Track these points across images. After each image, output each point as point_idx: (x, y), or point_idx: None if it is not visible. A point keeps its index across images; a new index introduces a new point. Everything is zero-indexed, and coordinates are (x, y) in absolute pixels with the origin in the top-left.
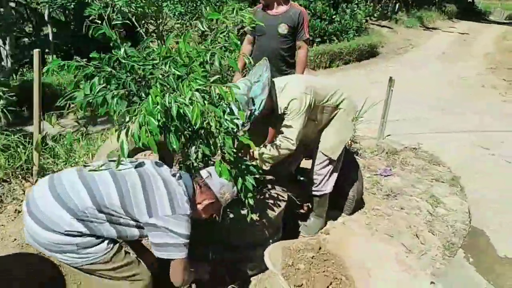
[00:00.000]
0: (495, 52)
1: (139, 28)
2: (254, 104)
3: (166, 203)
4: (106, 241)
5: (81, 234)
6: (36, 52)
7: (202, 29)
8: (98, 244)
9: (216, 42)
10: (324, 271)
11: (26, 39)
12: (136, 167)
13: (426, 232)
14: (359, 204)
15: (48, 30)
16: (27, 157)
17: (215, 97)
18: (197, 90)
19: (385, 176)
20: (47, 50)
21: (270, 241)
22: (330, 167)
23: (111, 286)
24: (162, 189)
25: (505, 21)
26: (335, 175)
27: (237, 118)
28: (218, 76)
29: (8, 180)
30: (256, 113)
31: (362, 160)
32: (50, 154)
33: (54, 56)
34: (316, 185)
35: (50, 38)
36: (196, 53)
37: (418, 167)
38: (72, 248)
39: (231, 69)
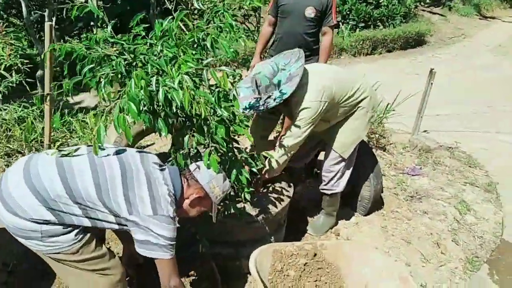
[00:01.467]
0: None
1: (167, 4)
2: (275, 90)
3: (147, 202)
4: (75, 231)
5: (48, 222)
6: (47, 25)
7: (197, 7)
8: (65, 233)
9: (212, 22)
10: (316, 280)
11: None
12: (119, 157)
13: (449, 241)
14: (377, 205)
15: (94, 3)
16: (42, 130)
17: (207, 81)
18: (187, 73)
19: (412, 175)
20: (92, 23)
21: (271, 238)
22: (342, 164)
23: (77, 276)
24: (144, 187)
25: None
26: (347, 173)
27: (232, 106)
28: (212, 59)
29: (22, 151)
30: (275, 102)
31: (389, 156)
32: (67, 128)
33: (99, 29)
34: (325, 182)
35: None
36: (189, 34)
37: (451, 169)
38: (37, 235)
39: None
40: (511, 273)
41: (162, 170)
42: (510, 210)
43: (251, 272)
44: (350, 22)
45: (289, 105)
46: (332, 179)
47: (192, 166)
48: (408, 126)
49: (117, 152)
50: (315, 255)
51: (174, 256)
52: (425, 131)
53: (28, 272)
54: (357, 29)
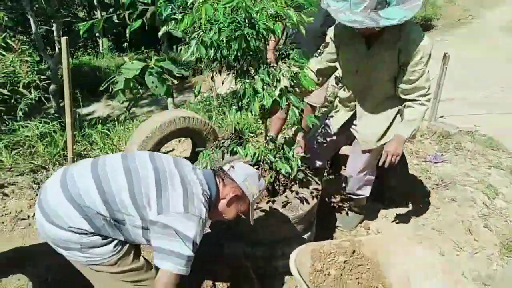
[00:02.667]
0: None
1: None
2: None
3: (180, 200)
4: (114, 243)
5: (86, 233)
6: (63, 40)
7: None
8: (104, 245)
9: None
10: (357, 278)
11: (79, 24)
12: (152, 159)
13: (481, 227)
14: (404, 195)
15: (98, 14)
16: (64, 144)
17: None
18: None
19: (435, 163)
20: (97, 34)
21: (303, 236)
22: (367, 171)
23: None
24: (178, 187)
25: None
26: (371, 178)
27: None
28: None
29: (46, 167)
30: (389, 22)
31: (409, 145)
32: (88, 141)
33: (105, 39)
34: (352, 188)
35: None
36: None
37: (474, 153)
38: (76, 246)
39: None
40: None
41: (196, 172)
42: None
43: (292, 273)
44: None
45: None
46: (356, 185)
47: (226, 167)
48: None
49: (150, 156)
50: (353, 252)
51: (183, 273)
52: (442, 116)
53: (65, 285)
54: None
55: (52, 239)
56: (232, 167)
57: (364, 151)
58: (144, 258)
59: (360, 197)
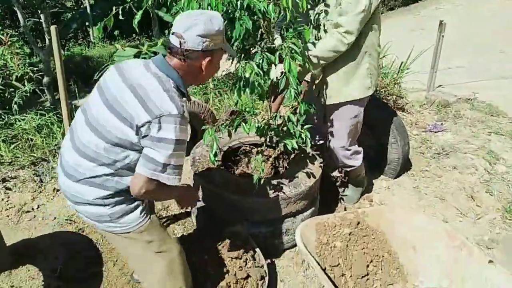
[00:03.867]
0: None
1: None
2: None
3: (166, 103)
4: (139, 209)
5: (110, 197)
6: (53, 28)
7: None
8: (132, 211)
9: None
10: (363, 248)
11: (68, 14)
12: (125, 81)
13: (483, 193)
14: (406, 166)
15: (86, 3)
16: (62, 135)
17: None
18: None
19: (435, 132)
20: (87, 23)
21: (307, 212)
22: (348, 140)
23: (140, 255)
24: (156, 87)
25: None
26: (355, 148)
27: None
28: None
29: (47, 159)
30: None
31: (409, 116)
32: None
33: (95, 28)
34: (340, 160)
35: (88, 10)
36: None
37: (473, 120)
38: (106, 219)
39: None
40: None
41: (154, 73)
42: None
43: (299, 247)
44: None
45: None
46: (345, 156)
47: (173, 40)
48: (422, 82)
49: (121, 76)
50: (358, 223)
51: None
52: (439, 85)
53: (75, 275)
54: None
55: (84, 214)
56: (177, 36)
57: (333, 121)
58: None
59: (353, 168)
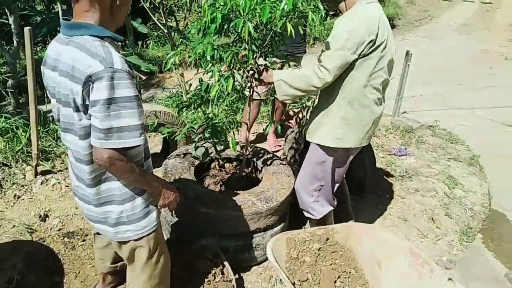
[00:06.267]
0: None
1: (143, 3)
2: None
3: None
4: (154, 213)
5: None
6: (26, 30)
7: None
8: (147, 214)
9: None
10: (331, 264)
11: (37, 18)
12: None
13: (442, 215)
14: (371, 187)
15: (58, 8)
16: (27, 140)
17: None
18: None
19: (399, 156)
20: (58, 28)
21: (277, 227)
22: (311, 184)
23: (146, 264)
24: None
25: None
26: (314, 195)
27: None
28: None
29: (8, 164)
30: None
31: (375, 139)
32: (52, 136)
33: None
34: (300, 202)
35: (60, 16)
36: None
37: (435, 146)
38: (124, 220)
39: None
40: (504, 240)
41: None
42: (494, 181)
43: (270, 260)
44: (320, 12)
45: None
46: (302, 198)
47: None
48: (388, 108)
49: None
50: (327, 239)
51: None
52: (404, 112)
53: (33, 286)
54: (328, 17)
55: (104, 223)
56: None
57: (308, 157)
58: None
59: (309, 216)
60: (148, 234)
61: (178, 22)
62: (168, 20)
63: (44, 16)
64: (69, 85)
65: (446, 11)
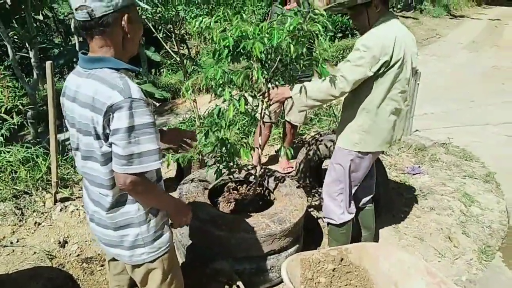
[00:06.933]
0: None
1: (156, 34)
2: None
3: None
4: (167, 234)
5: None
6: (48, 64)
7: None
8: (161, 236)
9: None
10: (346, 285)
11: (55, 50)
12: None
13: (459, 234)
14: (386, 206)
15: (75, 40)
16: (47, 168)
17: None
18: None
19: (413, 174)
20: (74, 60)
21: (291, 249)
22: (334, 189)
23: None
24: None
25: None
26: (336, 200)
27: None
28: None
29: (29, 192)
30: None
31: (387, 157)
32: (70, 164)
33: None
34: (323, 208)
35: (77, 48)
36: None
37: (449, 164)
38: (140, 243)
39: None
40: None
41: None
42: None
43: (285, 281)
44: (328, 33)
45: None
46: (325, 200)
47: (79, 15)
48: None
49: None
50: (341, 259)
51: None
52: (416, 130)
53: None
54: (336, 39)
55: (119, 247)
56: (81, 8)
57: (331, 160)
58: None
59: (328, 221)
60: (162, 255)
61: (190, 50)
62: (180, 48)
63: (61, 48)
64: (90, 115)
65: (453, 30)
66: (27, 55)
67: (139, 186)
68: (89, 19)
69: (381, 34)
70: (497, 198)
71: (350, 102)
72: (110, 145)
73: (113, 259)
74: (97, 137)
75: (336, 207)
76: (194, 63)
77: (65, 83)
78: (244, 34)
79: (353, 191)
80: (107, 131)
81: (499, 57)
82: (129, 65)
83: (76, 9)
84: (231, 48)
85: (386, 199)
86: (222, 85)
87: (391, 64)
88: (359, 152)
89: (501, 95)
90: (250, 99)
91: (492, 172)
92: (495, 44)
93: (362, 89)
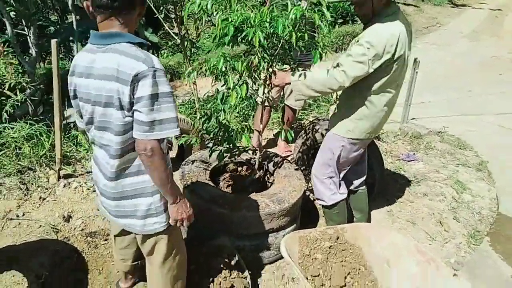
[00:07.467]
0: None
1: (157, 15)
2: None
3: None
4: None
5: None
6: (53, 42)
7: None
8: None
9: None
10: (341, 261)
11: (51, 28)
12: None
13: (450, 219)
14: (380, 191)
15: (72, 18)
16: (50, 145)
17: None
18: None
19: (408, 161)
20: (71, 38)
21: (288, 229)
22: (322, 171)
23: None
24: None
25: None
26: (326, 182)
27: None
28: None
29: (33, 168)
30: None
31: (384, 144)
32: (73, 142)
33: (79, 44)
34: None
35: (74, 26)
36: None
37: (443, 152)
38: (152, 212)
39: None
40: (511, 244)
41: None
42: (502, 186)
43: (284, 257)
44: (328, 20)
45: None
46: (314, 183)
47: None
48: (397, 114)
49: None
50: (337, 238)
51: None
52: (413, 118)
53: (60, 281)
54: (336, 25)
55: (132, 217)
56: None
57: (321, 145)
58: None
59: (320, 202)
60: (171, 225)
61: (188, 31)
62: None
63: (58, 26)
64: (115, 86)
65: (455, 18)
66: (23, 32)
67: (157, 153)
68: None
69: (386, 31)
70: (488, 186)
71: (347, 91)
72: (132, 114)
73: (119, 234)
74: (121, 108)
75: (326, 189)
76: (193, 46)
77: (73, 62)
78: (245, 19)
79: (341, 175)
80: (132, 99)
81: (499, 47)
82: (141, 39)
83: None
84: (230, 38)
85: (381, 184)
86: (224, 73)
87: (393, 61)
88: (351, 138)
89: (499, 86)
90: (250, 83)
91: (485, 161)
92: (495, 34)
93: (360, 82)
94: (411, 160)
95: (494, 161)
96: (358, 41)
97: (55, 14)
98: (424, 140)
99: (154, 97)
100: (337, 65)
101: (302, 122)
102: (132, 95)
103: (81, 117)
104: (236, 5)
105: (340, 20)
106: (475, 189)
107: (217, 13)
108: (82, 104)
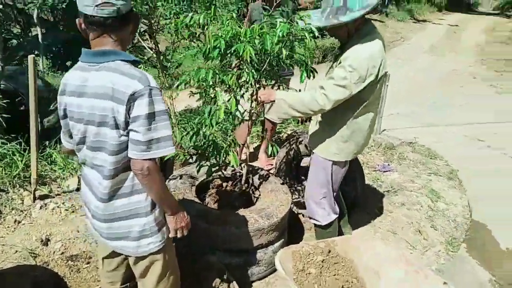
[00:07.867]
0: (485, 44)
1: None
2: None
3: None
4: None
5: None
6: (30, 57)
7: None
8: (163, 225)
9: None
10: (335, 275)
11: (14, 40)
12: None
13: (428, 227)
14: (361, 202)
15: (37, 31)
16: (24, 165)
17: None
18: None
19: (384, 171)
20: (36, 52)
21: (277, 243)
22: (317, 191)
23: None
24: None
25: (493, 12)
26: (321, 201)
27: None
28: None
29: (5, 189)
30: (345, 17)
31: (360, 156)
32: (47, 161)
33: (44, 58)
34: (307, 209)
35: (40, 39)
36: None
37: (415, 162)
38: (147, 233)
39: None
40: (486, 249)
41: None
42: (473, 194)
43: (279, 273)
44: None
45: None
46: (312, 206)
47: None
48: None
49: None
50: (329, 251)
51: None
52: (384, 129)
53: None
54: (318, 38)
55: (125, 238)
56: (109, 5)
57: (311, 166)
58: None
59: (315, 222)
60: (165, 244)
61: (158, 45)
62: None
63: (21, 39)
64: (110, 105)
65: (417, 33)
66: None
67: (154, 171)
68: (115, 16)
69: (367, 52)
70: (460, 194)
71: (329, 114)
72: (128, 133)
73: (108, 256)
74: (116, 127)
75: (320, 210)
76: (167, 60)
77: (63, 80)
78: (235, 35)
79: (334, 194)
80: (128, 119)
81: (458, 62)
82: (135, 57)
83: (97, 5)
84: (221, 49)
85: (362, 196)
86: (212, 86)
87: (376, 81)
88: (338, 161)
89: (460, 98)
90: (239, 98)
91: (455, 169)
92: (453, 49)
93: (342, 103)
94: (387, 171)
95: (463, 170)
96: (340, 62)
97: (17, 26)
98: (397, 151)
99: (151, 116)
100: (321, 88)
101: (281, 135)
102: (128, 115)
103: (70, 137)
104: (227, 20)
105: (311, 35)
106: (448, 197)
107: (207, 27)
108: (73, 123)
